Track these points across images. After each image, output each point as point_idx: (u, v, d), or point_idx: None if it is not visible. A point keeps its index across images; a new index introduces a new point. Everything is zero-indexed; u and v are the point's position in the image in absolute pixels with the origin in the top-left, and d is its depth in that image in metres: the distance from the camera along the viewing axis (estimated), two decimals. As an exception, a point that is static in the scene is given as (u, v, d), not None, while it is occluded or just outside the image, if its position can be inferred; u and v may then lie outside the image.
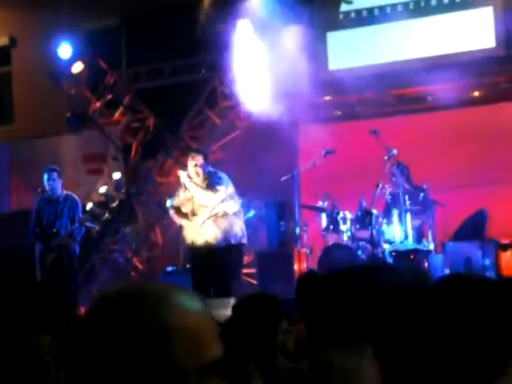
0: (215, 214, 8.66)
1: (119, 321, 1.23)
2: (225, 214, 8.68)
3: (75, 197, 9.56)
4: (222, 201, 8.66)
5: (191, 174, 8.69)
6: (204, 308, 1.29)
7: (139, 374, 1.21)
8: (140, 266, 12.28)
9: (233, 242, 8.66)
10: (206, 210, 8.68)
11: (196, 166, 8.67)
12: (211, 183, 8.65)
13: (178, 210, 8.90)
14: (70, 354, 1.27)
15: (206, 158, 8.86)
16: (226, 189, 8.68)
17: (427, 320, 1.62)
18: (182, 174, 8.77)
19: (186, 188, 8.74)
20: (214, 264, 8.61)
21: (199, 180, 8.69)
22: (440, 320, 1.60)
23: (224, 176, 8.78)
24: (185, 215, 8.82)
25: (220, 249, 8.62)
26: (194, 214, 8.76)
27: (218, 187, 8.61)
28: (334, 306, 1.79)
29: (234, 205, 8.81)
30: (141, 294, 1.27)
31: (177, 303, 1.27)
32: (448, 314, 1.59)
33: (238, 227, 8.76)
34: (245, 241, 8.84)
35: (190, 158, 8.80)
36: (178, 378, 1.22)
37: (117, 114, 12.68)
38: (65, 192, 9.51)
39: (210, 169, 8.84)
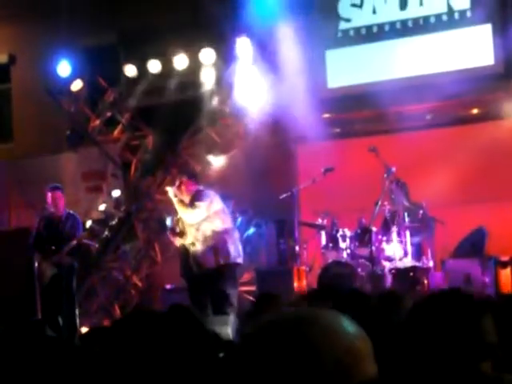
0: (203, 234, 8.58)
1: (280, 345, 1.38)
2: (213, 233, 8.54)
3: (77, 216, 9.56)
4: (206, 219, 8.54)
5: (177, 192, 8.68)
6: (358, 329, 1.42)
7: None
8: (139, 284, 12.23)
9: (222, 262, 8.47)
10: (192, 228, 8.62)
11: (181, 183, 8.69)
12: (193, 200, 8.59)
13: (172, 230, 8.91)
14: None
15: (194, 178, 8.85)
16: (210, 205, 8.55)
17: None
18: (169, 190, 8.78)
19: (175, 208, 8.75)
20: (208, 284, 8.50)
21: (186, 199, 8.66)
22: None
23: (209, 193, 8.69)
24: (179, 235, 8.79)
25: (210, 269, 8.48)
26: (184, 233, 8.74)
27: (198, 203, 8.50)
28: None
29: (223, 223, 8.64)
30: (298, 319, 1.42)
31: (328, 325, 1.40)
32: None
33: (231, 246, 8.56)
34: (240, 260, 8.66)
35: (177, 178, 8.85)
36: None
37: (116, 132, 12.67)
38: (67, 211, 9.51)
39: (199, 187, 8.82)
